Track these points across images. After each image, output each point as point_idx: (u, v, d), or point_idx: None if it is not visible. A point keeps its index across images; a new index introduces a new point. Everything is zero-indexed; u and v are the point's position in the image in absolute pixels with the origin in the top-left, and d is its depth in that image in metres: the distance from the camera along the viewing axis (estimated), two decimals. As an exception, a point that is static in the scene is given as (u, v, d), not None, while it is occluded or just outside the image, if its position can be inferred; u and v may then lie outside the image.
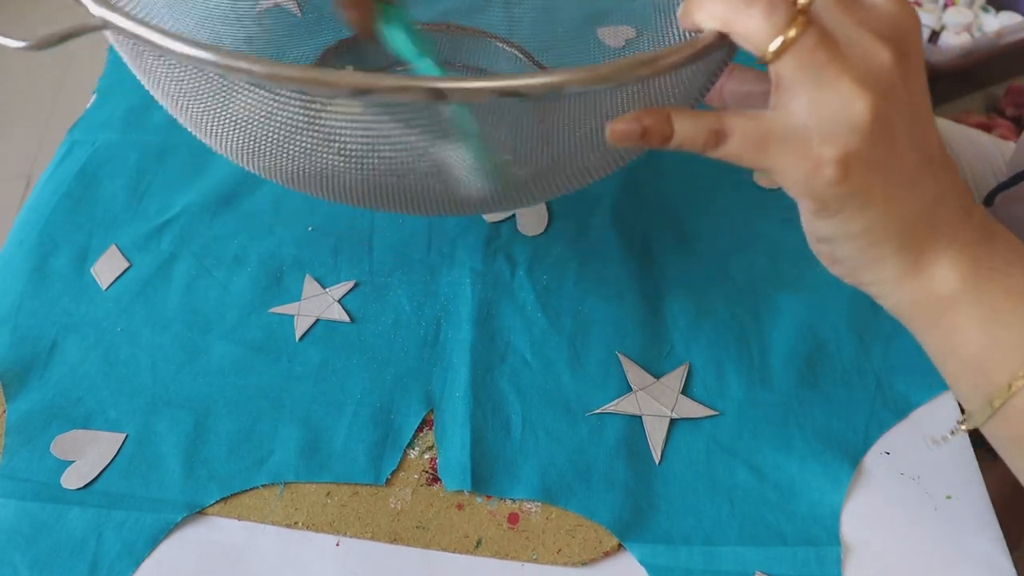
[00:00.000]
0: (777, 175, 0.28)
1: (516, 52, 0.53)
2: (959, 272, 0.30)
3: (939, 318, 0.31)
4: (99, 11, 0.28)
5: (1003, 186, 0.56)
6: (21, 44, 0.28)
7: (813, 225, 0.30)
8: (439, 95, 0.25)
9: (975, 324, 0.30)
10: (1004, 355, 0.30)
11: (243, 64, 0.25)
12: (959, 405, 0.43)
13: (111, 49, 0.64)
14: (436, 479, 0.41)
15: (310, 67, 0.26)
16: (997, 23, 1.23)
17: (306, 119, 0.30)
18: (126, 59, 0.34)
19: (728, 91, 0.33)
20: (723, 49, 0.28)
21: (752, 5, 0.26)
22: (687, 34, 0.38)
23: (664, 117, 0.28)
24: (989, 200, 0.57)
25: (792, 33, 0.25)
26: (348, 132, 0.30)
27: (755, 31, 0.26)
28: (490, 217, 0.52)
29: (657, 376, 0.44)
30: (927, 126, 0.29)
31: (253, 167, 0.36)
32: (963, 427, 0.33)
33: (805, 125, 0.27)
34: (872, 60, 0.26)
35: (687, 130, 0.28)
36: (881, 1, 0.27)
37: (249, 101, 0.30)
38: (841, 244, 0.30)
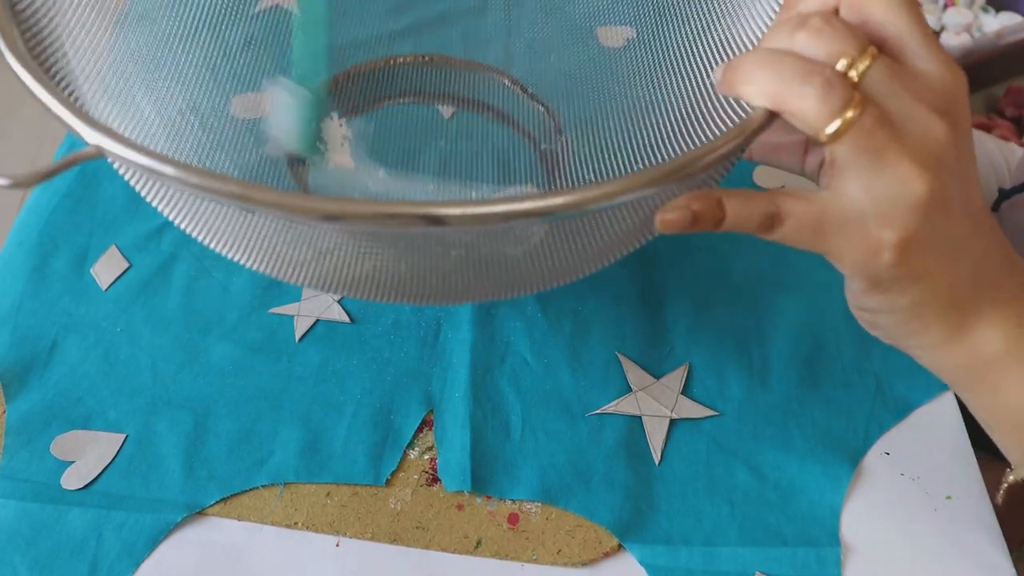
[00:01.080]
0: (832, 258, 0.28)
1: (506, 81, 0.51)
2: (1003, 332, 0.29)
3: (983, 378, 0.30)
4: (95, 137, 0.24)
5: (1008, 193, 0.55)
6: (3, 182, 0.25)
7: (859, 300, 0.30)
8: (436, 221, 0.23)
9: (1019, 383, 0.29)
10: None
11: (268, 197, 0.23)
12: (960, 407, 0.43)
13: (111, 49, 0.64)
14: (436, 479, 0.41)
15: (288, 194, 0.23)
16: (997, 23, 1.23)
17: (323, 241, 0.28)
18: (130, 181, 0.32)
19: (756, 142, 0.32)
20: (766, 129, 0.26)
21: (807, 83, 0.25)
22: (695, 39, 0.38)
23: (715, 202, 0.27)
24: (994, 207, 0.57)
25: (850, 115, 0.24)
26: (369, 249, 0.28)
27: (811, 112, 0.25)
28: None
29: (657, 376, 0.44)
30: (974, 187, 0.28)
31: (286, 279, 0.34)
32: (1012, 478, 0.32)
33: (862, 209, 0.26)
34: (929, 137, 0.25)
35: (740, 215, 0.27)
36: (931, 67, 0.26)
37: (270, 223, 0.28)
38: (886, 316, 0.30)
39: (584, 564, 0.38)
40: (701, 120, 0.33)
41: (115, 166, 0.30)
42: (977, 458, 0.41)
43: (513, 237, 0.29)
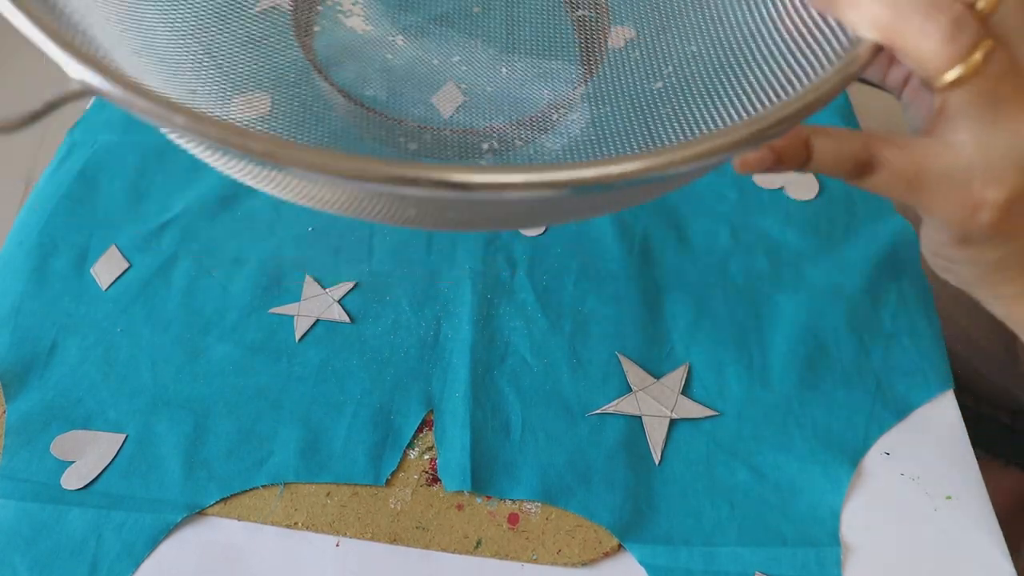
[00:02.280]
0: (923, 210, 0.26)
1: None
2: None
3: None
4: (80, 72, 0.22)
5: None
6: None
7: (941, 249, 0.28)
8: (465, 188, 0.20)
9: None
10: None
11: (261, 146, 0.20)
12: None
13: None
14: (436, 479, 0.41)
15: (321, 151, 0.20)
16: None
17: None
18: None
19: None
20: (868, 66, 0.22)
21: (931, 18, 0.21)
22: (708, 32, 0.34)
23: (802, 141, 0.25)
24: None
25: (977, 58, 0.21)
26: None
27: (932, 52, 0.21)
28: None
29: (657, 376, 0.44)
30: None
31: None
32: None
33: (970, 163, 0.23)
34: None
35: (828, 159, 0.25)
36: None
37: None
38: (966, 267, 0.28)
39: (584, 564, 0.38)
40: (780, 39, 0.28)
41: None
42: (977, 458, 0.41)
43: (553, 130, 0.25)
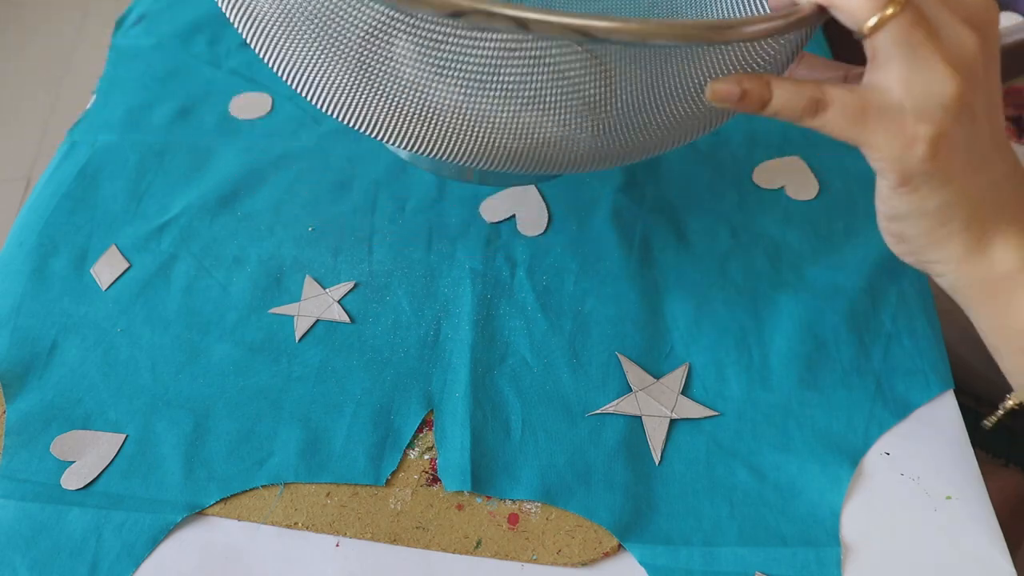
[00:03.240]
0: (869, 148, 0.29)
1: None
2: (1017, 251, 0.31)
3: (995, 294, 0.32)
4: None
5: None
6: None
7: (890, 202, 0.31)
8: (523, 24, 0.25)
9: None
10: None
11: None
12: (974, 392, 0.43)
13: (111, 49, 0.64)
14: (436, 480, 0.41)
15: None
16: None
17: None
18: None
19: (798, 77, 0.34)
20: (814, 23, 0.28)
21: None
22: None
23: (764, 82, 0.29)
24: None
25: (890, 10, 0.27)
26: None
27: (856, 6, 0.27)
28: (489, 217, 0.51)
29: (657, 376, 0.44)
30: (998, 110, 0.30)
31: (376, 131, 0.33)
32: (1011, 402, 0.34)
33: (901, 102, 0.28)
34: (961, 45, 0.28)
35: (787, 97, 0.29)
36: None
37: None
38: (914, 222, 0.31)
39: (584, 564, 0.38)
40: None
41: None
42: (977, 458, 0.41)
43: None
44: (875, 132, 0.29)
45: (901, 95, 0.28)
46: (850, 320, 0.46)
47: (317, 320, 0.47)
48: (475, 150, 0.33)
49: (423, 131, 0.32)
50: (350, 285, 0.48)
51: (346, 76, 0.31)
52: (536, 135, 0.32)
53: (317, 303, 0.47)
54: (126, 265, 0.49)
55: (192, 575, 0.38)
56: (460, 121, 0.32)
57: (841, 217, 0.51)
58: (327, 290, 0.48)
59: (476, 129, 0.32)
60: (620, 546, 0.38)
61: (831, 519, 0.39)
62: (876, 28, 0.27)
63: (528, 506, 0.40)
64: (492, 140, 0.32)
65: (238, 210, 0.52)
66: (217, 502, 0.40)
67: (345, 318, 0.47)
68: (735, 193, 0.53)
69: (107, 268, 0.49)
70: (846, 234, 0.50)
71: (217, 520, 0.40)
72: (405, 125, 0.32)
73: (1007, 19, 1.28)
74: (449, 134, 0.32)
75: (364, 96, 0.32)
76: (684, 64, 0.30)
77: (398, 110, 0.32)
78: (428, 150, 0.33)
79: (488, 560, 0.38)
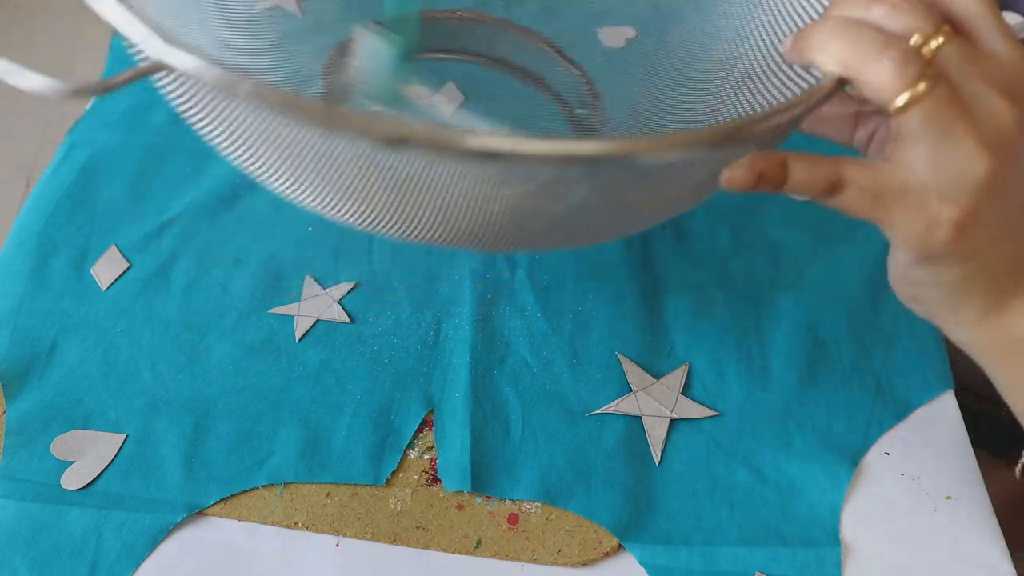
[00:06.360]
0: (887, 227, 0.28)
1: (540, 44, 0.50)
2: None
3: (1010, 355, 0.31)
4: (159, 48, 0.23)
5: None
6: (54, 87, 0.24)
7: (906, 271, 0.30)
8: (487, 156, 0.22)
9: None
10: None
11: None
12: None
13: (111, 49, 0.64)
14: (436, 480, 0.41)
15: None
16: (997, 23, 1.23)
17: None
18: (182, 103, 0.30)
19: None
20: (833, 95, 0.26)
21: (883, 54, 0.25)
22: (753, 8, 0.37)
23: (779, 163, 0.27)
24: None
25: (922, 87, 0.25)
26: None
27: (884, 82, 0.25)
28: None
29: (657, 376, 0.44)
30: None
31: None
32: None
33: (924, 182, 0.26)
34: (997, 119, 0.26)
35: (803, 178, 0.28)
36: (1002, 49, 0.26)
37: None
38: (930, 289, 0.30)
39: (584, 564, 0.38)
40: (760, 88, 0.32)
41: (172, 90, 0.28)
42: (977, 458, 0.41)
43: (553, 194, 0.27)
44: (895, 213, 0.27)
45: (926, 175, 0.26)
46: (850, 320, 0.46)
47: (317, 320, 0.47)
48: (453, 241, 0.32)
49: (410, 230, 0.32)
50: (350, 285, 0.48)
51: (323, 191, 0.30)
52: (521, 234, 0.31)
53: (317, 303, 0.47)
54: (126, 265, 0.49)
55: (192, 575, 0.38)
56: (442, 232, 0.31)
57: (841, 217, 0.51)
58: (327, 290, 0.48)
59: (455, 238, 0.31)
60: (620, 546, 0.38)
61: (831, 519, 0.39)
62: (906, 108, 0.25)
63: (528, 506, 0.40)
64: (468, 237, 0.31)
65: (238, 210, 0.52)
66: (217, 502, 0.40)
67: (345, 318, 0.47)
68: (735, 193, 0.53)
69: (107, 268, 0.49)
70: (846, 234, 0.50)
71: (217, 520, 0.40)
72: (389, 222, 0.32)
73: (1008, 19, 1.28)
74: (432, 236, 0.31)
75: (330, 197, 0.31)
76: (695, 168, 0.28)
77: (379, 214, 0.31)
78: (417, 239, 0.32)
79: (488, 560, 0.38)
